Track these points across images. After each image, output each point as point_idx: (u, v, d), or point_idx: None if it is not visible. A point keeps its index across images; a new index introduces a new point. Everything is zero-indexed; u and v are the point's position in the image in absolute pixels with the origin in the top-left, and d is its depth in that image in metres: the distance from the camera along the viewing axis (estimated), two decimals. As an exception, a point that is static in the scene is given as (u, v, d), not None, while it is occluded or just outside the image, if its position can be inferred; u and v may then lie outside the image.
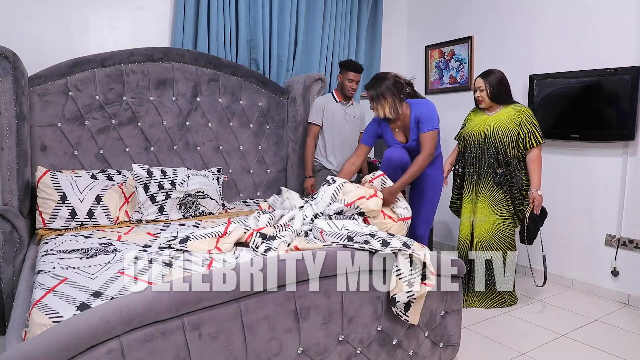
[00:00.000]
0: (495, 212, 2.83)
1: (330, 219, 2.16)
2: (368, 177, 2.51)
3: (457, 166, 3.04)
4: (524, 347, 2.39)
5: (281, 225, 2.22)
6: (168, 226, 2.53)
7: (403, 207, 2.43)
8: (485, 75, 2.83)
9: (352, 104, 3.37)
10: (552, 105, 3.25)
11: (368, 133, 2.73)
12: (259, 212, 2.36)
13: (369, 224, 2.22)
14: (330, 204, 2.27)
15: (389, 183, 2.44)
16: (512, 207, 2.82)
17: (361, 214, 2.24)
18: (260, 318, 1.49)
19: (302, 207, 2.37)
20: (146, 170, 2.62)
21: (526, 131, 2.72)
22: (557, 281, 3.38)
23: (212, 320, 1.40)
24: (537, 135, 2.72)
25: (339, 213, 2.21)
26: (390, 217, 2.33)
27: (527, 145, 2.72)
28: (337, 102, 3.29)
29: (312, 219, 2.25)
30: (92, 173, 2.69)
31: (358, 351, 1.74)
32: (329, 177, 2.41)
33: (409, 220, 2.45)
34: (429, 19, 4.29)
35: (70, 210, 2.41)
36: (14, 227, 2.28)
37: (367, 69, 3.99)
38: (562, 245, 3.34)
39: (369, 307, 1.75)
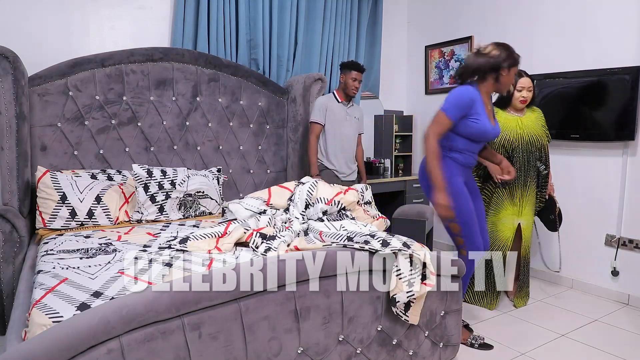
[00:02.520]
0: (530, 212, 2.86)
1: (322, 220, 2.18)
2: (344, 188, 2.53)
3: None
4: (524, 347, 2.39)
5: (281, 225, 2.22)
6: (168, 226, 2.53)
7: (375, 209, 2.56)
8: (527, 74, 2.75)
9: (352, 105, 3.37)
10: (552, 106, 3.25)
11: (460, 107, 2.14)
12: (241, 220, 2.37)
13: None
14: (308, 202, 2.31)
15: (368, 192, 2.48)
16: (536, 203, 2.88)
17: (344, 209, 2.28)
18: (260, 318, 1.49)
19: (287, 209, 2.42)
20: (146, 170, 2.62)
21: (547, 128, 2.89)
22: (557, 281, 3.38)
23: (212, 320, 1.39)
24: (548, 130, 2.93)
25: (325, 213, 2.24)
26: (367, 212, 2.40)
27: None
28: (338, 102, 3.29)
29: (303, 217, 2.29)
30: (92, 173, 2.69)
31: (358, 351, 1.74)
32: (303, 179, 2.50)
33: (387, 220, 2.51)
34: (429, 19, 4.29)
35: (70, 210, 2.41)
36: (14, 227, 2.28)
37: (367, 69, 3.99)
38: (562, 245, 3.34)
39: (369, 307, 1.75)
